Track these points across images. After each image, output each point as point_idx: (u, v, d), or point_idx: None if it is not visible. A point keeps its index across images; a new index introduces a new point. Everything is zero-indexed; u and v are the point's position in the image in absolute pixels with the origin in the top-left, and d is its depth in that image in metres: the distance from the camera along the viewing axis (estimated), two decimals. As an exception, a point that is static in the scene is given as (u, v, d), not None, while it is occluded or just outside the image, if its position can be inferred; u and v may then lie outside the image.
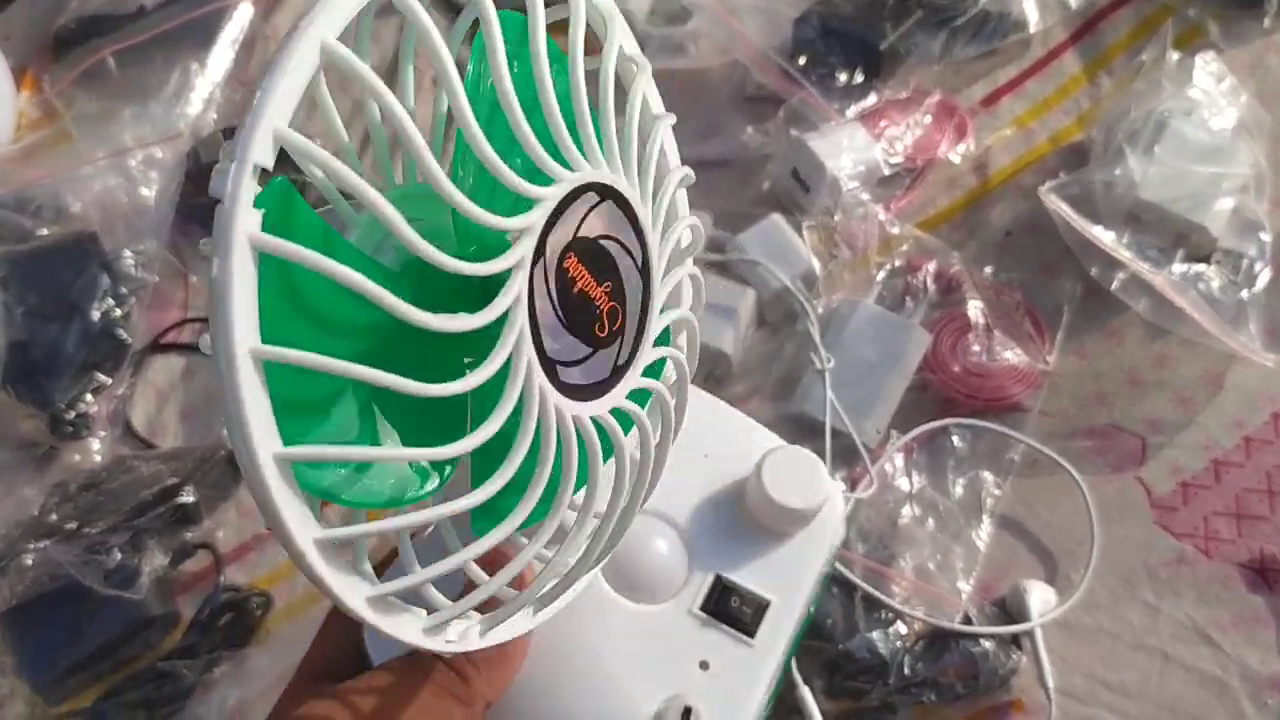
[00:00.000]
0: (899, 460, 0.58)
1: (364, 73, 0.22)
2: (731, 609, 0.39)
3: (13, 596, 0.57)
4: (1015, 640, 0.54)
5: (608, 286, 0.28)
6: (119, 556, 0.57)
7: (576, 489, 0.27)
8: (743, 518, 0.41)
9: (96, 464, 0.64)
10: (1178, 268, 0.59)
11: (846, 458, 0.58)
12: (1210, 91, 0.61)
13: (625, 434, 0.28)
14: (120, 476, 0.61)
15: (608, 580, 0.39)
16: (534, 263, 0.25)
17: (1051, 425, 0.59)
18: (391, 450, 0.25)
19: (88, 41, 0.79)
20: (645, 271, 0.29)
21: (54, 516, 0.59)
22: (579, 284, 0.27)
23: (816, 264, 0.61)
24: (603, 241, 0.27)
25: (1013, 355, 0.59)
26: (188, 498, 0.60)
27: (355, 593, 0.24)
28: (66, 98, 0.77)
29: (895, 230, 0.62)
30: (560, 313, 0.26)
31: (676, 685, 0.37)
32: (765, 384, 0.61)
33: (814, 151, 0.63)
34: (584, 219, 0.27)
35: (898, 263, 0.62)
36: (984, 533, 0.57)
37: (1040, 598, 0.55)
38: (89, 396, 0.65)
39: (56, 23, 0.83)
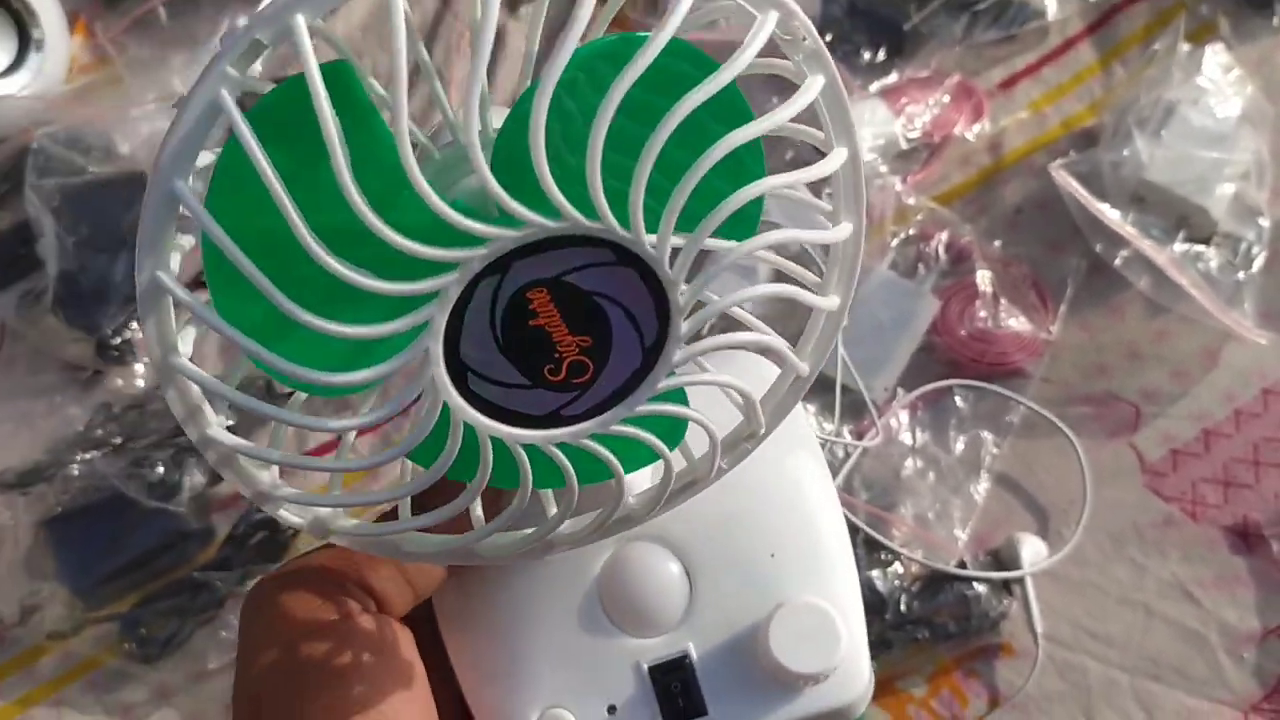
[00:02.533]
0: (904, 416, 0.61)
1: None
2: (672, 690, 0.34)
3: (57, 505, 0.61)
4: (1007, 587, 0.57)
5: (584, 340, 0.25)
6: (162, 471, 0.60)
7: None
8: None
9: (139, 388, 0.68)
10: (1179, 247, 0.62)
11: (855, 411, 0.61)
12: (1217, 81, 0.64)
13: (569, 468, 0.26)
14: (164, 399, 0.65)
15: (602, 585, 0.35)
16: (489, 274, 0.23)
17: (1051, 391, 0.62)
18: (287, 414, 0.24)
19: (141, -10, 0.82)
20: (652, 353, 0.26)
21: (99, 433, 0.63)
22: (541, 319, 0.24)
23: (835, 229, 0.64)
24: (598, 299, 0.25)
25: (1017, 323, 0.62)
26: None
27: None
28: (118, 44, 0.80)
29: (910, 201, 0.65)
30: (497, 331, 0.24)
31: (571, 702, 0.34)
32: (782, 338, 0.64)
33: (837, 123, 0.66)
34: (578, 269, 0.24)
35: (911, 232, 0.65)
36: (981, 488, 0.60)
37: (1032, 549, 0.58)
38: (134, 324, 0.68)
39: (111, -28, 0.86)
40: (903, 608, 0.56)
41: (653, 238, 0.23)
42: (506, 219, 0.22)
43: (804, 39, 0.24)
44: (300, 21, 0.21)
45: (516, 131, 0.21)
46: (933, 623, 0.56)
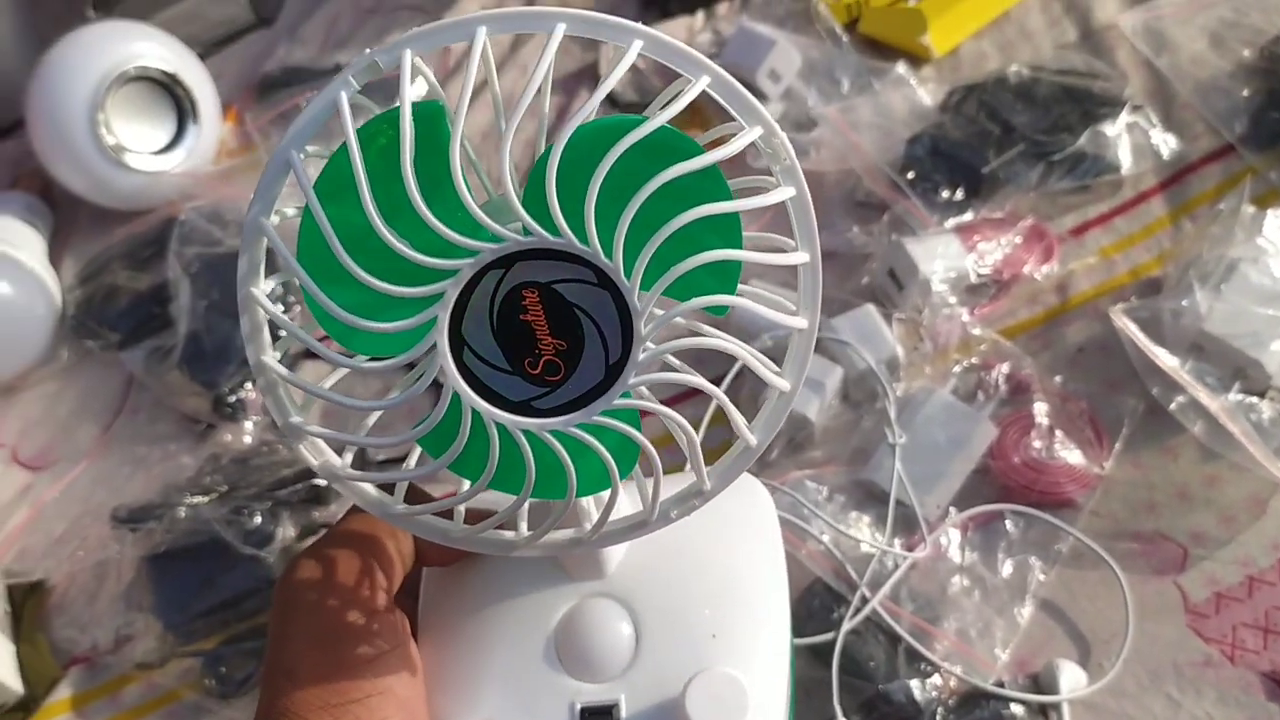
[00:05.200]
0: (955, 535, 0.64)
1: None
2: None
3: (161, 543, 0.66)
4: (1044, 712, 0.59)
5: (561, 344, 0.30)
6: (259, 520, 0.65)
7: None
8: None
9: (246, 444, 0.74)
10: (1233, 397, 0.64)
11: (907, 525, 0.64)
12: (1278, 243, 0.67)
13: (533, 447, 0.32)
14: (266, 456, 0.70)
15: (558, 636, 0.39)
16: (492, 267, 0.29)
17: (1101, 525, 0.64)
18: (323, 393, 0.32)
19: (288, 88, 0.91)
20: (614, 370, 0.31)
21: (207, 480, 0.68)
22: (529, 316, 0.30)
23: (900, 352, 0.68)
24: (578, 311, 0.30)
25: (1071, 456, 0.65)
26: (321, 481, 0.68)
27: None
28: (263, 132, 0.89)
29: (976, 332, 0.69)
30: (494, 315, 0.30)
31: (501, 717, 0.38)
32: (842, 453, 0.67)
33: (910, 254, 0.70)
34: (565, 281, 0.30)
35: (974, 360, 0.69)
36: (1025, 611, 0.62)
37: (1071, 676, 0.59)
38: (249, 385, 0.74)
39: (263, 69, 0.95)
40: (937, 719, 0.57)
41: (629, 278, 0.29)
42: (521, 230, 0.29)
43: (784, 158, 0.31)
44: (408, 54, 0.29)
45: (536, 174, 0.29)
46: (967, 737, 0.57)
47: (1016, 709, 0.58)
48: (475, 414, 0.31)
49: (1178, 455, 0.66)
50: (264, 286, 0.31)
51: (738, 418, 0.34)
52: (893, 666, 0.59)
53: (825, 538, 0.62)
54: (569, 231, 0.29)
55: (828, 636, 0.59)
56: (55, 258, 0.86)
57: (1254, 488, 0.64)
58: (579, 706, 0.38)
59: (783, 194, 0.30)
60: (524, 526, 0.36)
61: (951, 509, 0.65)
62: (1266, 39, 0.79)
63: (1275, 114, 0.75)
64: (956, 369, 0.68)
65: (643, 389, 0.31)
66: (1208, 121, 0.78)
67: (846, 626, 0.59)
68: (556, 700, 0.38)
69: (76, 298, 0.82)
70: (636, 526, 0.36)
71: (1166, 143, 0.76)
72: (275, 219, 0.30)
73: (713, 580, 0.40)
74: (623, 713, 0.38)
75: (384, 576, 0.38)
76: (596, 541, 0.36)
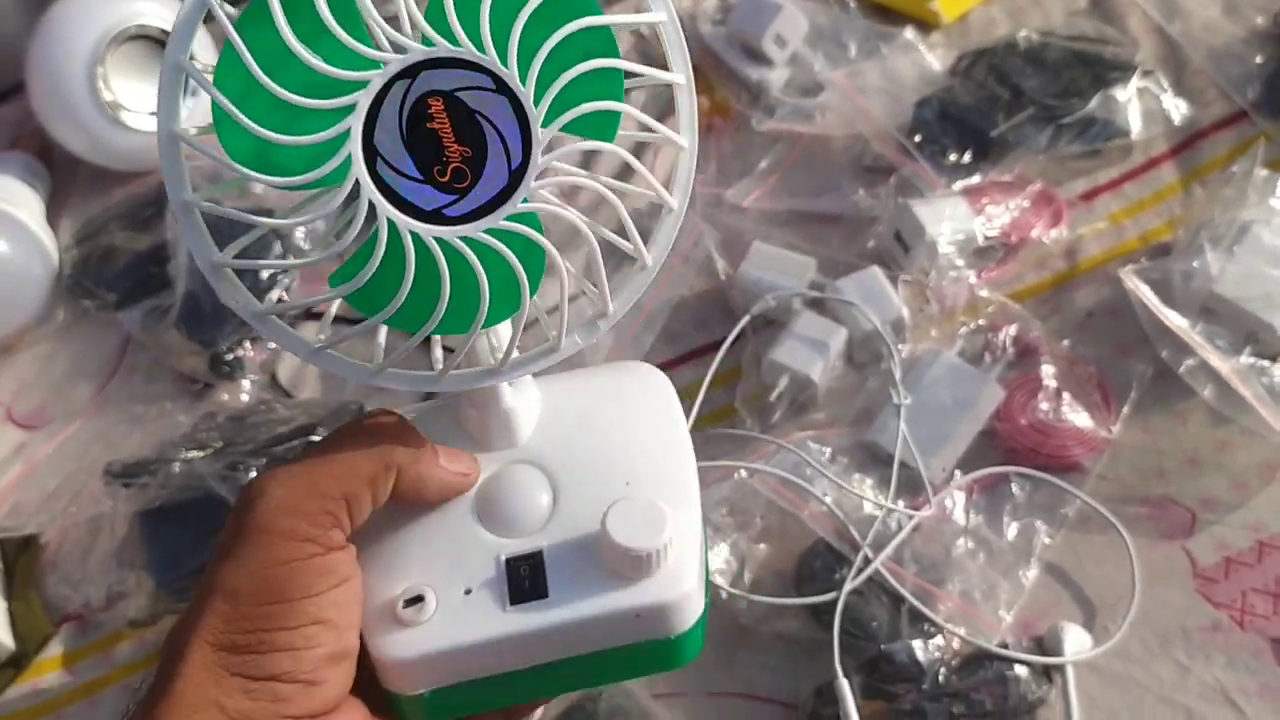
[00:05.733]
0: (960, 498, 0.63)
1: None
2: (521, 575, 0.40)
3: (155, 498, 0.65)
4: (1048, 673, 0.58)
5: (466, 151, 0.34)
6: (254, 476, 0.64)
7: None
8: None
9: (243, 403, 0.73)
10: (1244, 360, 0.63)
11: (912, 488, 0.63)
12: (1292, 205, 0.66)
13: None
14: (263, 414, 0.69)
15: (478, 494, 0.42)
16: (400, 77, 0.33)
17: (1108, 489, 0.63)
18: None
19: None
20: (516, 175, 0.34)
21: (202, 436, 0.68)
22: (436, 124, 0.33)
23: (906, 314, 0.67)
24: (480, 118, 0.33)
25: (1078, 419, 0.64)
26: (318, 437, 0.67)
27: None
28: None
29: (983, 294, 0.68)
30: (403, 124, 0.33)
31: (435, 583, 0.40)
32: (846, 414, 0.66)
33: (916, 216, 0.69)
34: (467, 89, 0.33)
35: (981, 322, 0.68)
36: (1030, 574, 0.61)
37: (1076, 638, 0.58)
38: (246, 344, 0.74)
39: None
40: (941, 679, 0.56)
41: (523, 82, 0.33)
42: (425, 41, 0.32)
43: None
44: None
45: None
46: (970, 699, 0.56)
47: (1020, 670, 0.57)
48: (392, 227, 0.33)
49: (1187, 419, 0.65)
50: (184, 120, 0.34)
51: (632, 229, 0.37)
52: (895, 627, 0.58)
53: (828, 498, 0.61)
54: (467, 40, 0.32)
55: (829, 596, 0.58)
56: (53, 218, 0.85)
57: (1266, 453, 0.63)
58: (504, 558, 0.40)
59: (654, 16, 0.35)
60: (438, 353, 0.39)
61: (956, 471, 0.64)
62: (1279, 6, 0.78)
63: (1289, 80, 0.74)
64: (963, 331, 0.68)
65: (544, 193, 0.34)
66: (1220, 87, 0.77)
67: (849, 586, 0.58)
68: (483, 556, 0.40)
69: (73, 258, 0.81)
70: (545, 353, 0.39)
71: (1178, 108, 0.75)
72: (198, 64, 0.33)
73: (620, 445, 0.43)
74: (546, 557, 0.40)
75: (348, 511, 0.38)
76: (510, 369, 0.39)
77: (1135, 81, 0.74)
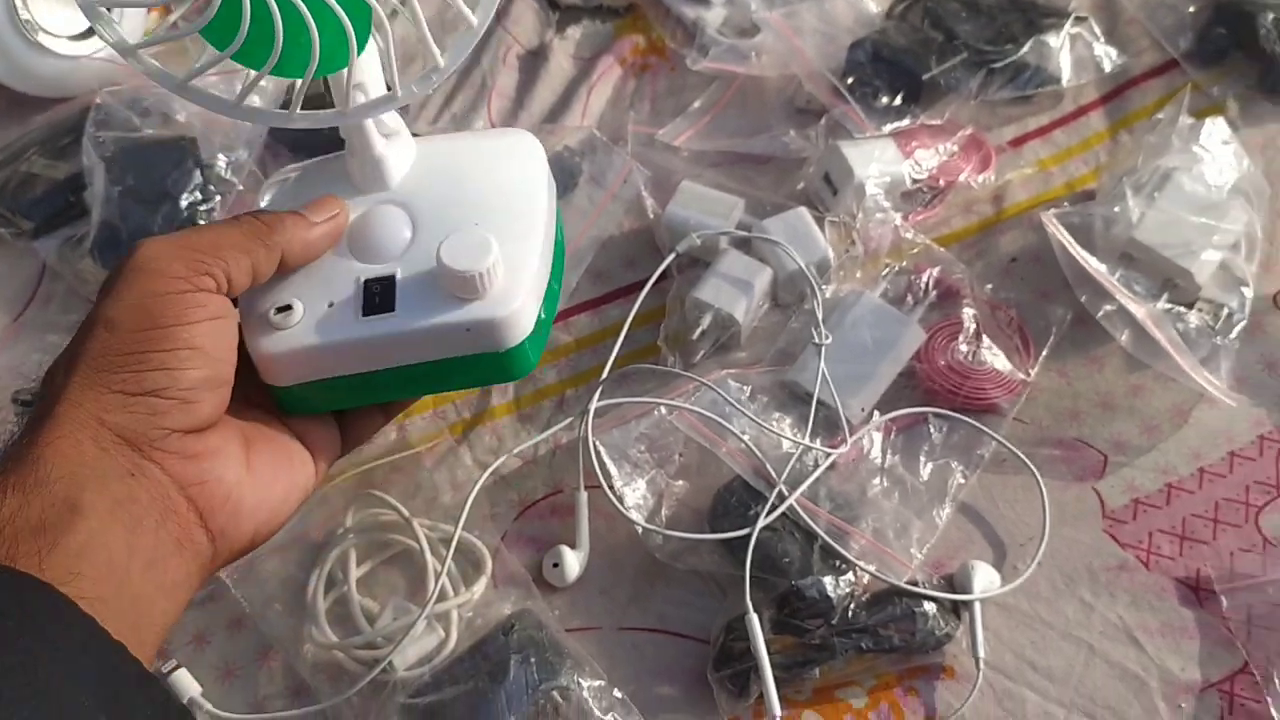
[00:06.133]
0: (878, 438, 0.63)
1: None
2: (373, 293, 0.49)
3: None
4: (956, 610, 0.58)
5: None
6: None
7: None
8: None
9: (159, 333, 0.71)
10: (1161, 306, 0.64)
11: (830, 427, 0.63)
12: (1214, 152, 0.66)
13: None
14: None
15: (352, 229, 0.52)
16: None
17: (1023, 431, 0.64)
18: None
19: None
20: None
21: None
22: None
23: (831, 255, 0.67)
24: None
25: (997, 362, 0.64)
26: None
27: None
28: (188, 18, 0.85)
29: (908, 236, 0.68)
30: None
31: (303, 298, 0.50)
32: (768, 353, 0.66)
33: (845, 157, 0.69)
34: None
35: (905, 265, 0.68)
36: (944, 514, 0.61)
37: (985, 577, 0.59)
38: (163, 274, 0.72)
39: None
40: (850, 614, 0.57)
41: None
42: None
43: None
44: None
45: None
46: (878, 634, 0.57)
47: (929, 607, 0.58)
48: None
49: (1103, 364, 0.66)
50: None
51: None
52: (807, 563, 0.58)
53: (746, 436, 0.61)
54: None
55: (743, 532, 0.58)
56: (-30, 144, 0.82)
57: (1177, 398, 0.64)
58: (363, 279, 0.50)
59: None
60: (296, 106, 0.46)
61: (875, 411, 0.64)
62: (1215, -43, 0.78)
63: (1220, 30, 0.74)
64: (887, 273, 0.68)
65: None
66: (1152, 36, 0.77)
67: (762, 523, 0.58)
68: (347, 278, 0.50)
69: (-10, 185, 0.79)
70: (386, 101, 0.47)
71: (1109, 56, 0.75)
72: None
73: (477, 190, 0.52)
74: (399, 281, 0.50)
75: (224, 269, 0.45)
76: (354, 114, 0.47)
77: (1068, 28, 0.74)
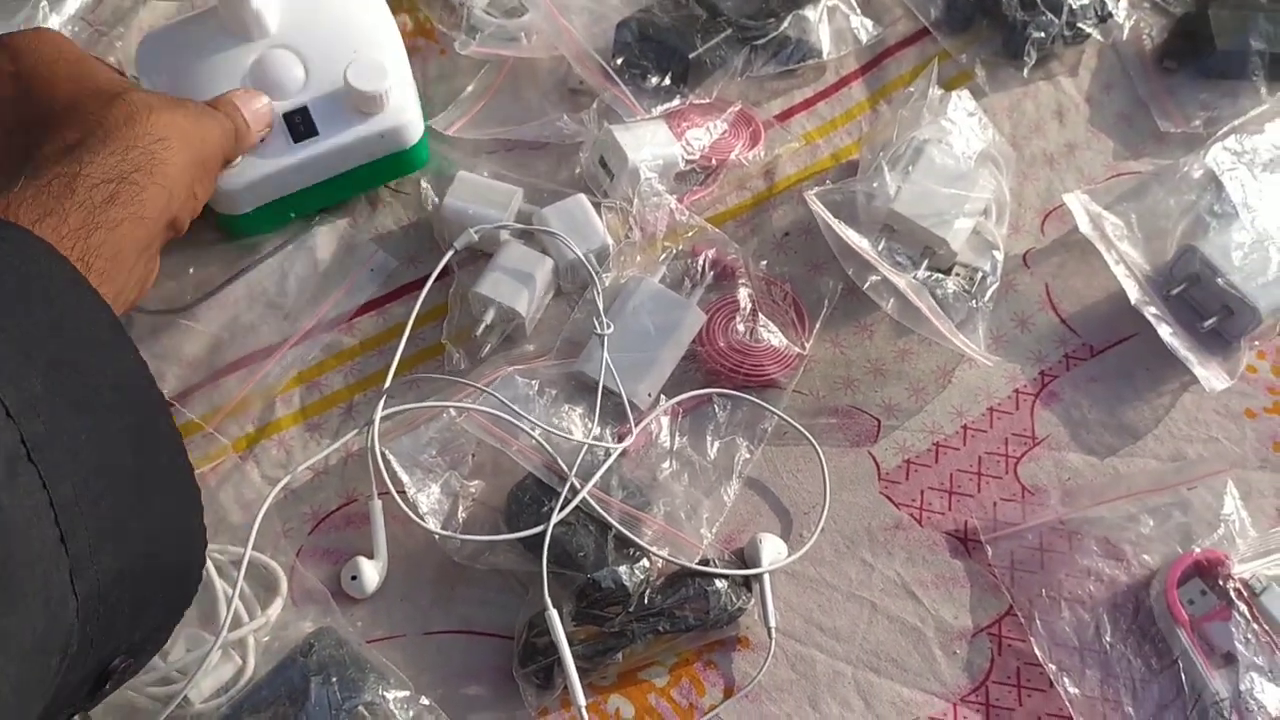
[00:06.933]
0: (665, 422, 0.65)
1: None
2: (296, 123, 0.64)
3: None
4: (746, 584, 0.61)
5: None
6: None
7: None
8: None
9: None
10: (920, 274, 0.67)
11: (618, 415, 0.64)
12: (960, 124, 0.70)
13: None
14: None
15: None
16: None
17: (802, 403, 0.67)
18: None
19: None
20: None
21: None
22: None
23: (610, 242, 0.68)
24: None
25: (773, 338, 0.67)
26: None
27: None
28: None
29: (683, 219, 0.69)
30: None
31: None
32: (553, 344, 0.67)
33: (619, 142, 0.69)
34: None
35: (682, 247, 0.69)
36: (732, 490, 0.64)
37: (772, 548, 0.62)
38: None
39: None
40: (646, 601, 0.59)
41: None
42: None
43: None
44: None
45: None
46: (674, 615, 0.59)
47: (720, 584, 0.60)
48: None
49: (873, 333, 0.69)
50: None
51: None
52: (602, 554, 0.60)
53: (536, 432, 0.62)
54: None
55: (537, 530, 0.59)
56: None
57: (940, 360, 0.68)
58: (281, 113, 0.64)
59: None
60: None
61: (663, 396, 0.65)
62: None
63: (967, -2, 0.78)
64: (664, 257, 0.69)
65: None
66: (905, 6, 0.80)
67: (556, 519, 0.59)
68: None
69: None
70: None
71: (865, 27, 0.78)
72: None
73: (345, 25, 0.66)
74: (311, 108, 0.64)
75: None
76: None
77: (825, 1, 0.76)
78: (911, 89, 0.72)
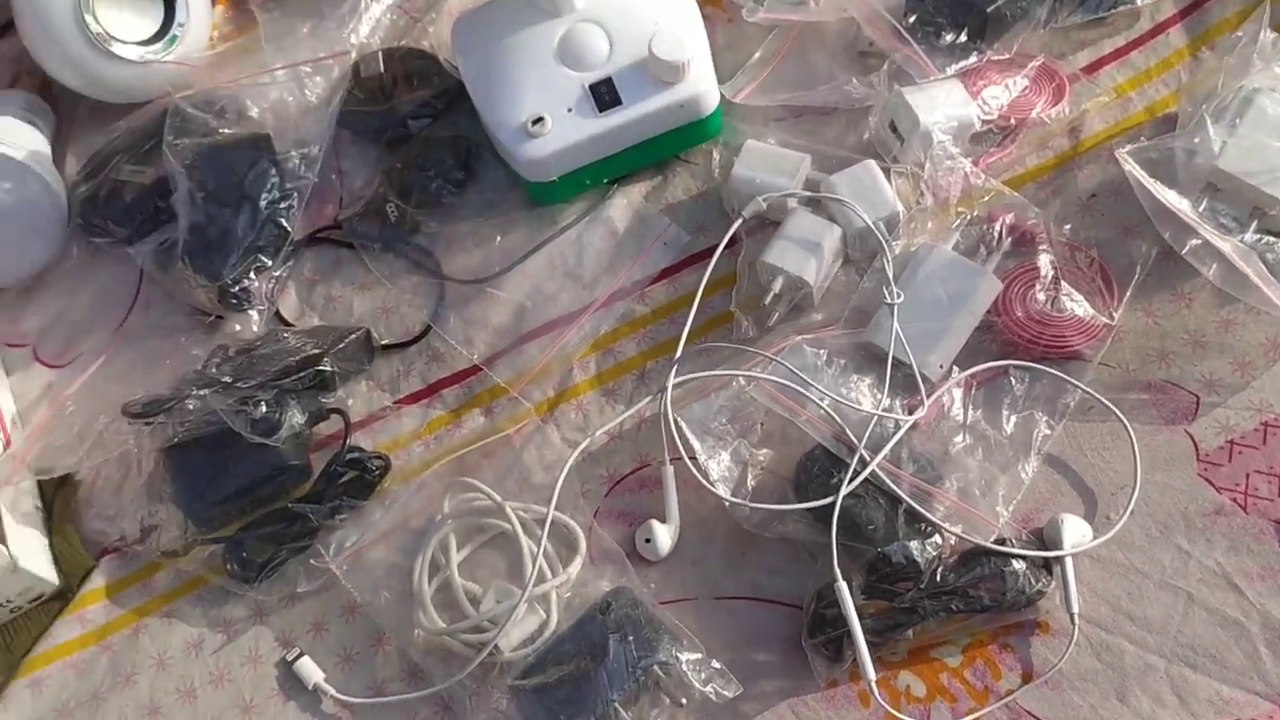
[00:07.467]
0: (958, 394, 0.63)
1: None
2: (602, 93, 0.68)
3: (175, 435, 0.67)
4: (1047, 566, 0.58)
5: None
6: (264, 409, 0.66)
7: None
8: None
9: (253, 333, 0.74)
10: (1249, 237, 0.62)
11: (909, 387, 0.63)
12: (1300, 71, 0.63)
13: None
14: (271, 344, 0.71)
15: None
16: None
17: (1110, 376, 0.63)
18: None
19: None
20: None
21: (213, 371, 0.69)
22: None
23: (901, 208, 0.66)
24: None
25: (1077, 307, 0.63)
26: (327, 367, 0.69)
27: None
28: (263, 8, 0.86)
29: (979, 182, 0.66)
30: None
31: (546, 110, 0.69)
32: (842, 313, 0.66)
33: (910, 105, 0.67)
34: None
35: (977, 213, 0.66)
36: (1030, 467, 0.61)
37: (1075, 530, 0.59)
38: (252, 274, 0.74)
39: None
40: (938, 578, 0.57)
41: None
42: None
43: None
44: None
45: None
46: (968, 595, 0.57)
47: (1018, 565, 0.58)
48: None
49: (1191, 301, 0.64)
50: None
51: None
52: (892, 528, 0.59)
53: (825, 402, 0.62)
54: None
55: (826, 501, 0.59)
56: (59, 155, 0.85)
57: (1271, 330, 0.62)
58: (587, 84, 0.68)
59: None
60: None
61: (954, 367, 0.63)
62: None
63: (1307, -72, 0.69)
64: (958, 223, 0.66)
65: None
66: (1234, -61, 0.73)
67: (845, 491, 0.59)
68: (572, 86, 0.69)
69: (81, 195, 0.82)
70: None
71: (1187, -33, 0.71)
72: None
73: (646, 2, 0.70)
74: (616, 79, 0.68)
75: None
76: None
77: (1142, -59, 0.71)
78: (1239, 33, 0.66)
